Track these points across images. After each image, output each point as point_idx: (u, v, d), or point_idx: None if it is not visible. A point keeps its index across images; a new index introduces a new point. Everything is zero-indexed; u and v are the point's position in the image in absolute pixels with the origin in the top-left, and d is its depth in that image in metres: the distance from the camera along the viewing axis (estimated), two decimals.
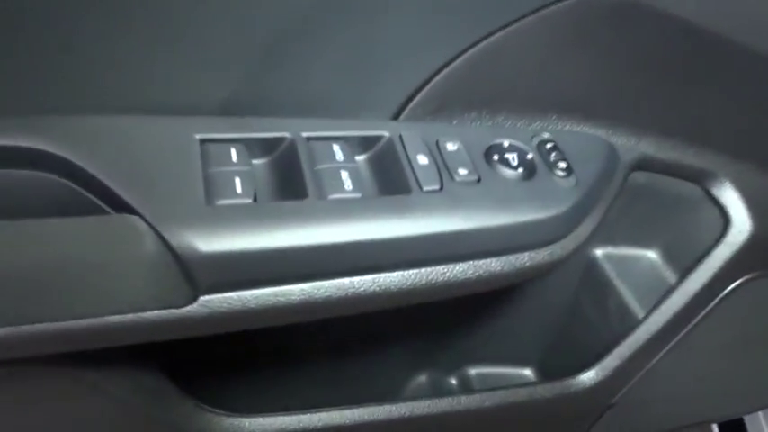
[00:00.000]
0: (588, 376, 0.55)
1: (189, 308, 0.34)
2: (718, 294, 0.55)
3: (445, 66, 0.45)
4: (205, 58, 0.40)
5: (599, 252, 0.58)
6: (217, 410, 0.46)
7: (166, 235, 0.33)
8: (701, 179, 0.53)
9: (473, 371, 0.64)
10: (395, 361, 0.62)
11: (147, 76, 0.39)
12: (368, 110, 0.44)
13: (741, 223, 0.53)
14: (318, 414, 0.48)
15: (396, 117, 0.45)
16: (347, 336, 0.57)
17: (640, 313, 0.55)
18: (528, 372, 0.64)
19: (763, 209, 0.53)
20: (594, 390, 0.55)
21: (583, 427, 0.60)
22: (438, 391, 0.63)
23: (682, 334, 0.56)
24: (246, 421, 0.46)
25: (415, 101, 0.45)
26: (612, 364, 0.55)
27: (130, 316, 0.33)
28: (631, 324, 0.55)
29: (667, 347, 0.56)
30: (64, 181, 0.35)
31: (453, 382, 0.64)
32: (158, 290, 0.34)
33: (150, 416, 0.43)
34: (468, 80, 0.46)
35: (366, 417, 0.49)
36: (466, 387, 0.63)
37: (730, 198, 0.53)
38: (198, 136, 0.37)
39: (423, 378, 0.64)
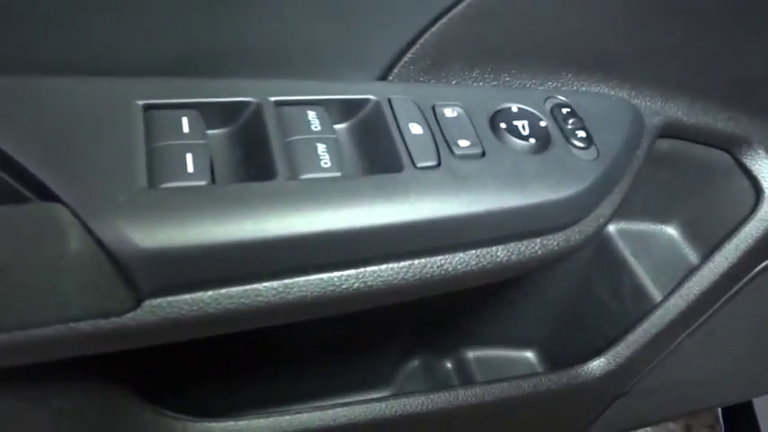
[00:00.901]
0: (598, 365, 0.50)
1: (131, 315, 0.28)
2: (745, 276, 0.49)
3: (442, 15, 0.37)
4: (150, 4, 0.32)
5: (613, 228, 0.52)
6: (181, 416, 0.40)
7: (97, 228, 0.26)
8: (732, 146, 0.47)
9: (471, 354, 0.59)
10: (386, 345, 0.56)
11: (77, 27, 0.32)
12: (350, 68, 0.37)
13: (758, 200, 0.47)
14: (299, 416, 0.43)
15: (384, 77, 0.38)
16: (331, 318, 0.52)
17: (658, 296, 0.50)
18: (530, 355, 0.59)
19: None
20: (605, 379, 0.50)
21: (590, 417, 0.56)
22: (433, 377, 0.58)
23: (702, 319, 0.50)
24: (217, 426, 0.41)
25: (406, 57, 0.38)
26: (625, 352, 0.50)
27: (58, 327, 0.27)
28: (647, 308, 0.50)
29: (686, 333, 0.51)
30: None
31: (449, 366, 0.59)
32: (91, 296, 0.27)
33: (104, 427, 0.37)
34: (470, 32, 0.38)
35: (353, 417, 0.44)
36: (463, 372, 0.58)
37: (765, 168, 0.47)
38: (140, 101, 0.30)
39: (416, 363, 0.59)
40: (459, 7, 0.37)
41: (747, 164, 0.47)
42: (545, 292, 0.55)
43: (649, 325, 0.49)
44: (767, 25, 0.42)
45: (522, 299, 0.56)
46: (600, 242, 0.52)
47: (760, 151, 0.47)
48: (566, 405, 0.52)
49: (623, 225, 0.52)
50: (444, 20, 0.37)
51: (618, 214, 0.51)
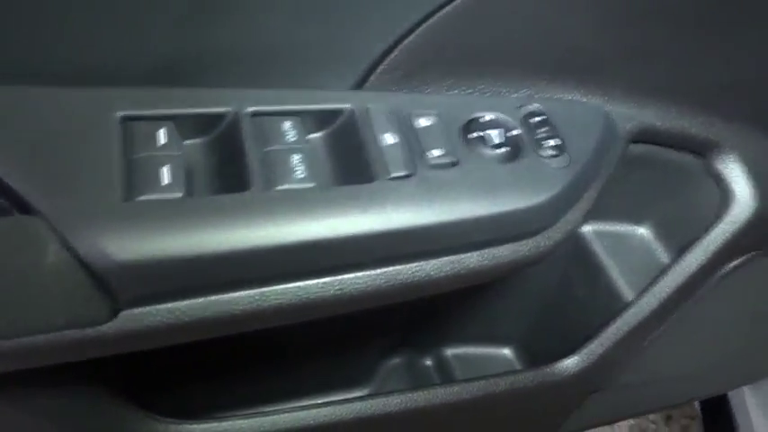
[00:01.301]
0: (572, 362, 0.51)
1: (110, 325, 0.29)
2: (714, 275, 0.51)
3: (418, 24, 0.38)
4: (124, 12, 0.33)
5: (588, 228, 0.53)
6: (164, 418, 0.41)
7: (75, 241, 0.27)
8: (704, 151, 0.48)
9: (451, 352, 0.60)
10: (366, 344, 0.57)
11: (52, 34, 0.32)
12: (325, 77, 0.38)
13: (744, 199, 0.48)
14: (280, 416, 0.44)
15: (359, 86, 0.39)
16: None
17: (630, 295, 0.51)
18: (509, 352, 0.61)
19: (757, 187, 0.48)
20: (579, 376, 0.51)
21: (565, 412, 0.57)
22: (414, 375, 0.59)
23: (674, 317, 0.52)
24: (199, 427, 0.42)
25: (383, 65, 0.38)
26: (599, 350, 0.51)
27: (37, 338, 0.28)
28: (620, 306, 0.51)
29: (658, 331, 0.52)
30: None
31: (430, 364, 0.60)
32: (70, 306, 0.28)
33: (87, 430, 0.38)
34: (446, 40, 0.39)
35: (334, 417, 0.45)
36: (443, 370, 0.59)
37: (735, 172, 0.48)
38: (118, 113, 0.31)
39: (397, 361, 0.60)
40: (436, 17, 0.38)
41: (718, 168, 0.48)
42: (523, 291, 0.56)
43: (622, 323, 0.50)
44: (742, 30, 0.43)
45: (501, 297, 0.57)
46: (576, 242, 0.53)
47: (731, 155, 0.48)
48: (542, 401, 0.54)
49: (598, 226, 0.53)
50: (421, 28, 0.38)
51: (593, 216, 0.52)
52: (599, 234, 0.53)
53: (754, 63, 0.45)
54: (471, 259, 0.36)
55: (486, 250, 0.36)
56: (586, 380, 0.52)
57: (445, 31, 0.39)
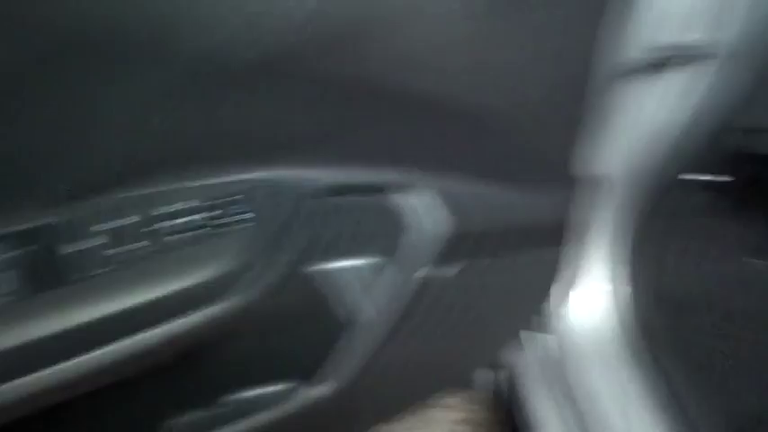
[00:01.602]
0: (326, 386, 0.60)
1: None
2: (423, 289, 0.63)
3: (117, 138, 0.44)
4: None
5: (318, 267, 0.63)
6: None
7: None
8: (393, 190, 0.60)
9: (237, 396, 0.67)
10: (155, 406, 0.62)
11: None
12: (31, 196, 0.43)
13: (434, 225, 0.61)
14: None
15: (64, 199, 0.44)
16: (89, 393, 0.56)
17: (360, 318, 0.61)
18: (289, 386, 0.69)
19: (451, 212, 0.61)
20: (332, 398, 0.60)
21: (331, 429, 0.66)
22: (206, 425, 0.65)
23: (402, 328, 0.63)
24: None
25: (86, 174, 0.44)
26: (346, 370, 0.61)
27: None
28: (354, 329, 0.61)
29: (387, 343, 0.63)
30: None
31: (219, 412, 0.66)
32: None
33: None
34: (158, 141, 0.46)
35: None
36: (233, 415, 0.66)
37: (416, 204, 0.61)
38: None
39: (190, 416, 0.65)
40: (135, 129, 0.45)
41: (404, 201, 0.61)
42: (287, 331, 0.65)
43: (360, 342, 0.61)
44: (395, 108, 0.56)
45: (262, 341, 0.65)
46: (309, 284, 0.62)
47: (419, 192, 0.60)
48: (311, 425, 0.62)
49: (325, 265, 0.63)
50: (120, 142, 0.45)
51: (318, 258, 0.62)
52: (328, 272, 0.63)
53: (405, 133, 0.58)
54: (180, 326, 0.43)
55: (192, 316, 0.44)
56: (342, 397, 0.62)
57: (143, 142, 0.45)
